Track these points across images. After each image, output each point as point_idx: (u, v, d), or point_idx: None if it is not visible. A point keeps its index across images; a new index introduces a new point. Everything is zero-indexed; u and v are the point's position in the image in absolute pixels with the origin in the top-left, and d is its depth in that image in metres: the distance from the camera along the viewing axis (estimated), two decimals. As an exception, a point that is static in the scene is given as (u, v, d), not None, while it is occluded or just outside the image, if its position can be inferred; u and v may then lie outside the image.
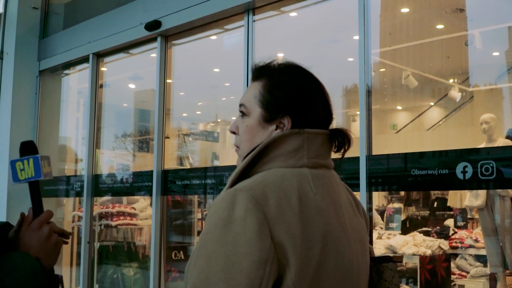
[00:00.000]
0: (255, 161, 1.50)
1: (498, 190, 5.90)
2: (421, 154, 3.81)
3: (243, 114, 1.60)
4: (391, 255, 1.78)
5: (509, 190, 5.94)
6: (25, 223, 1.60)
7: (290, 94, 1.54)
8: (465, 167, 3.48)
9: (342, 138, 1.57)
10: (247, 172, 1.50)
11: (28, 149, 1.66)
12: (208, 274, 1.31)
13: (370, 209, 4.16)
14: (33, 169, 1.63)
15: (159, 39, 5.81)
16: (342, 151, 1.59)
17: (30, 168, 1.63)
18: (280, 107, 1.53)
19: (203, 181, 5.31)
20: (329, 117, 1.58)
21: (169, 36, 5.87)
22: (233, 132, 1.63)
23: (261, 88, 1.57)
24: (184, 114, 9.49)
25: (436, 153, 3.74)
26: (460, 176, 3.49)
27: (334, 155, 1.59)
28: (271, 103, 1.54)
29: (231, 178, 1.50)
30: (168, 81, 6.01)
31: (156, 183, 5.60)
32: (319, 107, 1.56)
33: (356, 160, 4.05)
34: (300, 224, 1.38)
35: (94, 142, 6.64)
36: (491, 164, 3.37)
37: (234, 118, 1.65)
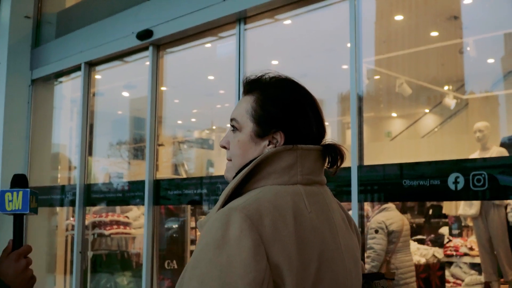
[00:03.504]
0: (248, 178, 1.47)
1: (492, 199, 5.88)
2: (413, 164, 3.79)
3: (235, 128, 1.57)
4: (383, 272, 1.74)
5: (503, 199, 5.93)
6: (4, 253, 1.65)
7: (283, 109, 1.51)
8: (456, 177, 3.46)
9: (335, 154, 1.55)
10: (239, 189, 1.47)
11: (19, 181, 1.70)
12: None
13: (361, 216, 4.13)
14: (21, 202, 1.66)
15: (150, 48, 5.80)
16: (335, 167, 1.57)
17: (18, 201, 1.66)
18: (273, 122, 1.51)
19: (195, 191, 5.28)
20: (322, 132, 1.56)
21: (161, 45, 5.87)
22: (224, 147, 1.61)
23: (253, 102, 1.54)
24: (179, 122, 9.48)
25: (428, 163, 3.71)
26: (452, 186, 3.47)
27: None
28: (263, 118, 1.52)
29: (224, 195, 1.47)
30: (163, 88, 6.00)
31: (148, 192, 5.57)
32: (312, 122, 1.54)
33: (347, 169, 4.03)
34: (295, 244, 1.36)
35: (86, 151, 6.62)
36: (483, 175, 3.35)
37: (229, 125, 1.62)
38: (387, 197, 4.10)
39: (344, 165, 4.07)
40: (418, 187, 3.64)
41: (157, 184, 5.61)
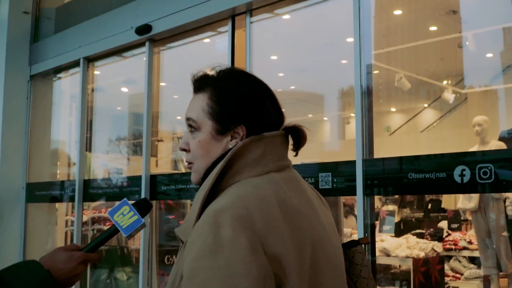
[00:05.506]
0: (220, 177, 1.44)
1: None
2: (419, 157, 3.77)
3: (193, 128, 1.53)
4: (357, 239, 1.78)
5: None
6: (70, 247, 1.61)
7: (239, 102, 1.49)
8: (463, 170, 3.44)
9: (298, 136, 1.54)
10: (212, 189, 1.44)
11: (144, 208, 1.67)
12: None
13: (367, 210, 4.09)
14: (129, 224, 1.62)
15: (147, 43, 5.74)
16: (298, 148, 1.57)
17: (128, 221, 1.62)
18: (232, 116, 1.48)
19: (195, 186, 5.25)
20: (280, 118, 1.55)
21: (160, 40, 5.83)
22: (184, 150, 1.57)
23: (208, 99, 1.51)
24: (178, 117, 9.48)
25: (433, 156, 3.69)
26: (458, 179, 3.45)
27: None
28: (221, 114, 1.49)
29: (200, 199, 1.43)
30: (162, 84, 5.97)
31: (144, 188, 5.56)
32: (271, 110, 1.52)
33: (352, 163, 3.99)
34: (287, 232, 1.35)
35: (85, 147, 6.58)
36: (489, 167, 3.34)
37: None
38: (393, 191, 4.09)
39: (350, 159, 4.04)
40: (424, 180, 3.62)
41: (154, 179, 5.59)
